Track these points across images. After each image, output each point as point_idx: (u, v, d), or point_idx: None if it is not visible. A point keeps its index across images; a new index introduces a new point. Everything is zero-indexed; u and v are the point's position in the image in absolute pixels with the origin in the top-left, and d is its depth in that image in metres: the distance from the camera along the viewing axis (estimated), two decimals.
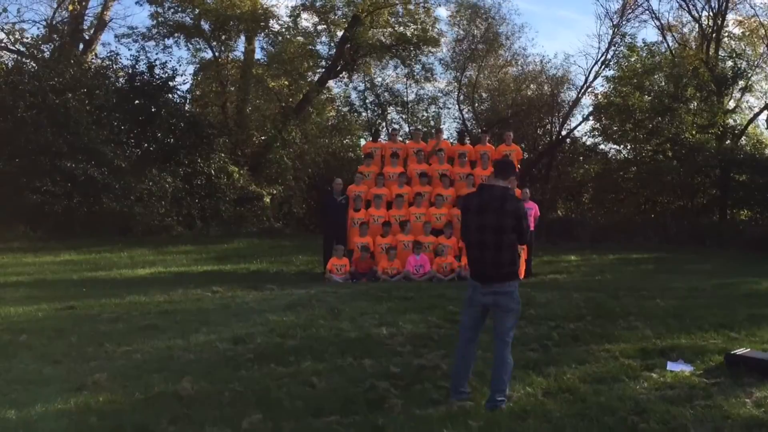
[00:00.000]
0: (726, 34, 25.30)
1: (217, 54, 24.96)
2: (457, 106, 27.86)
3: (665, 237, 20.24)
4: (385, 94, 27.94)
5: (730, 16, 25.02)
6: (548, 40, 54.64)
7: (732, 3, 24.30)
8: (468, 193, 6.25)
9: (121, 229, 18.09)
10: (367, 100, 27.91)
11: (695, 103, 22.72)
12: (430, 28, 25.84)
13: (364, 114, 28.14)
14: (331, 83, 27.10)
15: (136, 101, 20.56)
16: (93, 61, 22.07)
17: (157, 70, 21.01)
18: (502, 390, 4.77)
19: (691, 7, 24.75)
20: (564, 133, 26.53)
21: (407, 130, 26.40)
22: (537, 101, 26.52)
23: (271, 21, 25.24)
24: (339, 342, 6.47)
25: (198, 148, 20.96)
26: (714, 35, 24.32)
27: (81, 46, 22.91)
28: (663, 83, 23.45)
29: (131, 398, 4.83)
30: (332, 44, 25.90)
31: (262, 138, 25.26)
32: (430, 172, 12.74)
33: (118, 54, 21.81)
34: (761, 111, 25.15)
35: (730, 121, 23.53)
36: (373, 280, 11.29)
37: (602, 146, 25.93)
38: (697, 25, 25.41)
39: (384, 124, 27.71)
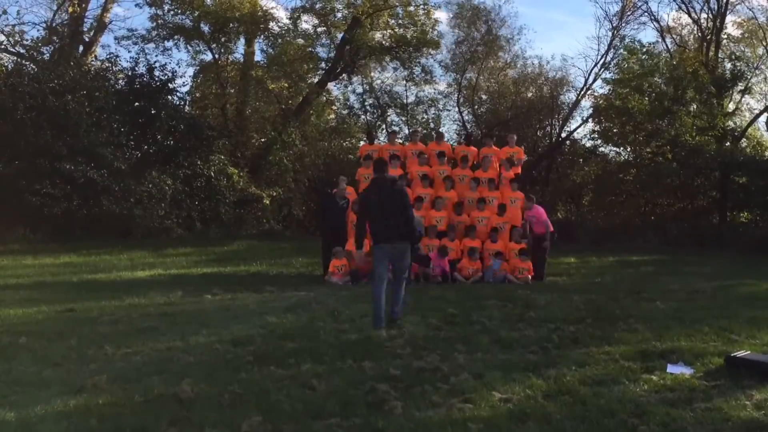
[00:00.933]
0: (725, 36, 25.38)
1: (216, 56, 25.01)
2: (457, 108, 27.91)
3: (665, 239, 20.24)
4: (385, 96, 28.02)
5: (729, 18, 25.13)
6: (540, 42, 55.15)
7: (731, 5, 24.38)
8: (367, 186, 8.28)
9: (120, 232, 18.08)
10: (366, 103, 27.97)
11: (695, 106, 22.74)
12: (430, 30, 25.90)
13: (363, 116, 28.19)
14: (330, 85, 27.19)
15: (136, 103, 20.58)
16: (93, 63, 22.09)
17: (156, 72, 21.07)
18: (398, 308, 7.44)
19: (690, 9, 24.85)
20: (564, 135, 26.58)
21: (407, 132, 26.44)
22: (537, 103, 26.57)
23: (271, 23, 25.32)
24: (339, 344, 6.46)
25: (198, 150, 20.97)
26: (713, 37, 24.35)
27: (81, 48, 22.94)
28: (662, 85, 23.48)
29: (131, 400, 4.82)
30: (332, 46, 25.97)
31: (262, 140, 25.29)
32: (432, 174, 12.70)
33: (117, 56, 21.96)
34: (761, 113, 25.21)
35: (730, 123, 23.57)
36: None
37: (602, 148, 26.00)
38: (696, 27, 25.49)
39: (384, 126, 27.76)
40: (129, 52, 30.68)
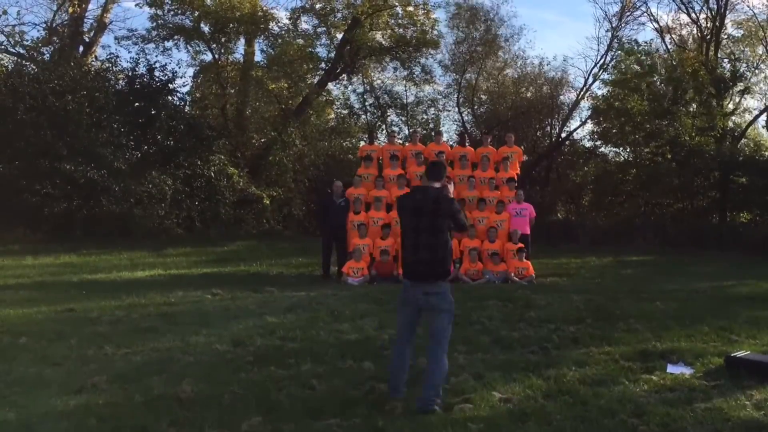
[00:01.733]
0: (725, 36, 25.33)
1: (216, 56, 24.97)
2: (456, 108, 27.90)
3: (665, 239, 20.22)
4: (385, 96, 28.00)
5: (729, 18, 25.05)
6: (533, 41, 55.84)
7: (730, 5, 24.34)
8: (402, 194, 6.14)
9: (120, 232, 18.07)
10: (366, 103, 27.97)
11: (694, 106, 22.72)
12: (430, 30, 25.88)
13: (363, 116, 28.18)
14: (330, 85, 27.14)
15: (136, 103, 20.56)
16: (93, 63, 22.06)
17: (156, 73, 21.03)
18: (433, 391, 4.70)
19: (689, 9, 24.82)
20: (563, 135, 26.58)
21: (407, 132, 26.45)
22: (536, 103, 26.56)
23: (271, 23, 25.27)
24: (339, 344, 6.47)
25: (198, 151, 20.96)
26: (713, 37, 24.34)
27: (81, 48, 22.94)
28: (662, 86, 23.46)
29: (131, 400, 4.83)
30: (332, 46, 25.95)
31: (262, 140, 25.29)
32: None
33: (117, 56, 21.85)
34: (761, 113, 25.19)
35: (730, 123, 23.54)
36: (395, 284, 11.16)
37: (601, 149, 25.98)
38: (695, 27, 25.47)
39: (383, 126, 27.74)
40: (129, 52, 30.66)
